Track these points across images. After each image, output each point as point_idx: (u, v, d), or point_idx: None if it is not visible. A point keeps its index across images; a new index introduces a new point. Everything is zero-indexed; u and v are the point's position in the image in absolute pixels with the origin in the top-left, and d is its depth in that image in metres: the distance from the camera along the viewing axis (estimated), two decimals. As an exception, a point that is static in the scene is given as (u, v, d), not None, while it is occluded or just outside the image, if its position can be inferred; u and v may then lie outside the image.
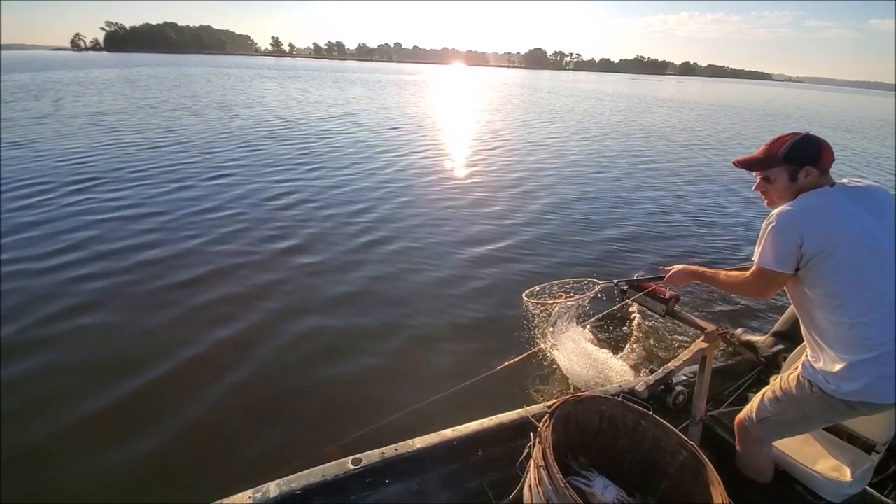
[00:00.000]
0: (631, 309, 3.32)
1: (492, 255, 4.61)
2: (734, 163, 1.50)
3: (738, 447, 1.65)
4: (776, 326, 2.20)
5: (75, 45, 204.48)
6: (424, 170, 8.13)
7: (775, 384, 1.53)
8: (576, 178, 8.17)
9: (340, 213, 5.61)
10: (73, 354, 2.90)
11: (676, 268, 1.76)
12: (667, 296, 1.90)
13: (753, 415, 1.56)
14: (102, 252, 4.25)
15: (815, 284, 1.32)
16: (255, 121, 12.51)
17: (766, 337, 2.18)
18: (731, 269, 1.63)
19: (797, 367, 1.47)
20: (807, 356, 1.43)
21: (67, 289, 3.61)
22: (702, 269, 1.68)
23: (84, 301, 3.45)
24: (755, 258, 1.39)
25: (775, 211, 1.35)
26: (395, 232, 5.12)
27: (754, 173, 1.47)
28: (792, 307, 2.07)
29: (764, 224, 1.36)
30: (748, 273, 1.44)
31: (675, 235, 5.56)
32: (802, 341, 1.50)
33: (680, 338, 3.24)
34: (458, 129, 13.54)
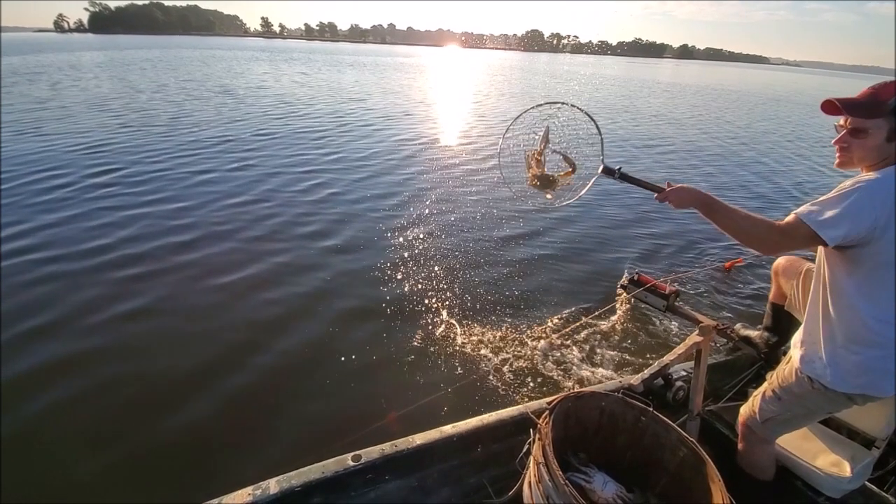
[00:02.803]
0: (631, 304, 3.30)
1: (532, 254, 4.54)
2: (826, 103, 1.23)
3: (740, 446, 1.63)
4: (765, 321, 2.18)
5: (58, 26, 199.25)
6: (449, 160, 7.97)
7: (773, 382, 1.49)
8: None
9: (375, 208, 5.44)
10: (134, 366, 2.74)
11: (683, 189, 1.36)
12: (667, 291, 1.88)
13: (757, 416, 1.53)
14: (140, 253, 4.06)
15: (863, 268, 1.19)
16: (263, 107, 12.23)
17: (760, 332, 2.17)
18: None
19: (789, 361, 1.44)
20: (805, 349, 1.38)
21: (112, 293, 3.42)
22: (714, 198, 1.31)
23: (133, 308, 3.27)
24: (806, 214, 1.17)
25: (869, 177, 1.15)
26: (432, 227, 5.00)
27: (842, 121, 1.23)
28: (773, 299, 2.06)
29: (848, 184, 1.15)
30: (778, 221, 1.23)
31: (718, 234, 5.45)
32: (789, 333, 1.47)
33: (683, 332, 3.23)
34: (472, 116, 13.24)
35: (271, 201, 5.50)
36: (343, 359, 2.88)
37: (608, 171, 1.49)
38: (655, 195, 1.41)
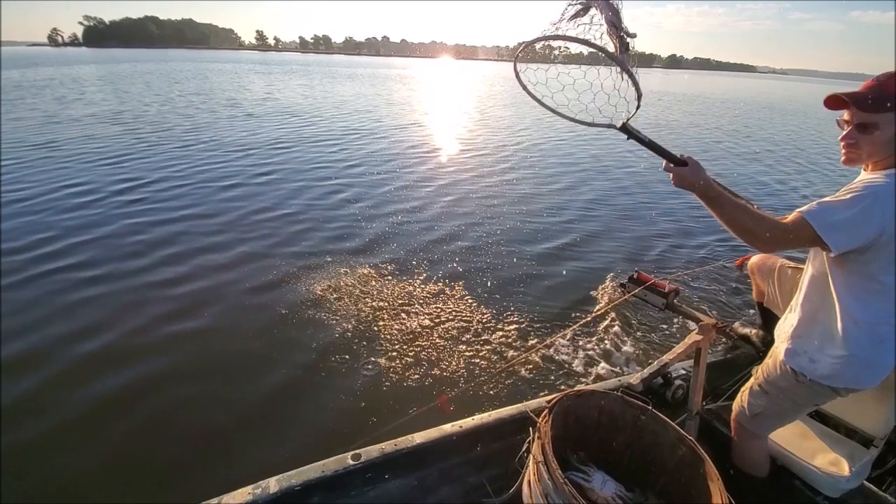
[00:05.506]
0: (631, 303, 3.31)
1: (538, 256, 4.60)
2: (830, 98, 1.18)
3: (734, 442, 1.63)
4: (757, 319, 2.18)
5: (52, 40, 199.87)
6: (468, 171, 7.99)
7: (758, 376, 1.49)
8: (609, 173, 8.25)
9: (407, 221, 5.40)
10: (191, 392, 2.65)
11: (694, 170, 1.21)
12: (666, 289, 1.88)
13: (747, 410, 1.53)
14: (185, 273, 3.94)
15: (858, 271, 1.17)
16: (274, 119, 12.27)
17: (757, 330, 2.18)
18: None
19: (773, 354, 1.44)
20: (791, 343, 1.37)
21: (163, 313, 3.33)
22: (717, 188, 1.21)
23: (184, 330, 3.17)
24: (812, 216, 1.11)
25: (878, 181, 1.10)
26: (458, 236, 5.04)
27: (846, 115, 1.18)
28: (756, 298, 2.07)
29: (858, 186, 1.11)
30: (781, 219, 1.17)
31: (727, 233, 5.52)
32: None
33: (683, 331, 3.25)
34: (480, 127, 13.28)
35: (305, 214, 5.47)
36: (364, 363, 2.89)
37: (626, 130, 1.32)
38: (664, 164, 1.29)
